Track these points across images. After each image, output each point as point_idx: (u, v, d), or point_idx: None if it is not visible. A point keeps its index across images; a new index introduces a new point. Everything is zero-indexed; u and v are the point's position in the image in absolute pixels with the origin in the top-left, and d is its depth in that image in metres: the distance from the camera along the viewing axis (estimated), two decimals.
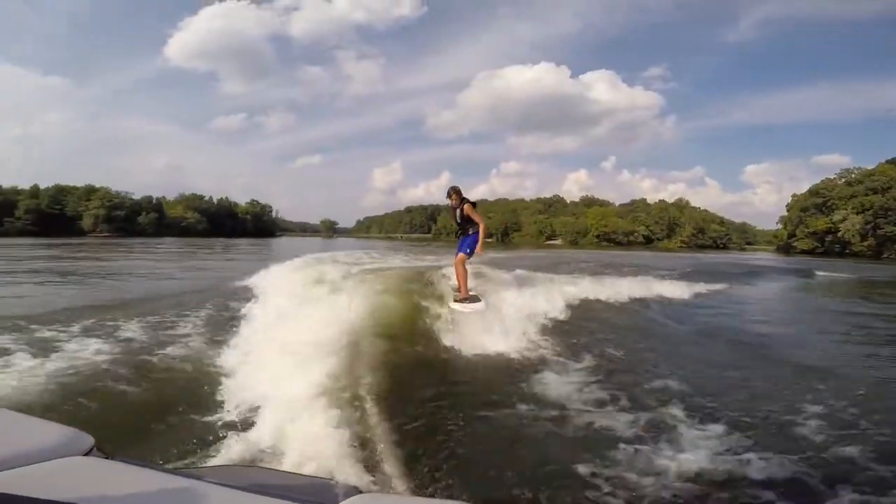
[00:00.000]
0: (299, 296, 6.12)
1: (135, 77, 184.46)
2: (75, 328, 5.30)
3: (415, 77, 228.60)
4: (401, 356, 4.51)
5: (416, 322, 5.46)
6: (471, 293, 5.70)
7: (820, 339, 7.00)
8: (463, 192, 5.79)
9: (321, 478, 2.15)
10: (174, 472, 1.02)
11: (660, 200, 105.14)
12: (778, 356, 5.77)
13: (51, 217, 73.18)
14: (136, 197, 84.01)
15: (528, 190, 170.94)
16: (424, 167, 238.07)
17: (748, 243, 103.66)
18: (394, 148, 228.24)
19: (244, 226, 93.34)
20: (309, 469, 2.47)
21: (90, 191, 78.53)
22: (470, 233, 5.77)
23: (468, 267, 5.90)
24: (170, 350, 4.66)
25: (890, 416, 3.80)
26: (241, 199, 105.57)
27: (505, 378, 4.56)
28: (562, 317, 6.81)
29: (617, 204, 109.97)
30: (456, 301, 5.57)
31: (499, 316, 6.01)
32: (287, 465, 2.48)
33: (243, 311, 6.05)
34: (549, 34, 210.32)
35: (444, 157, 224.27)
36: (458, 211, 5.74)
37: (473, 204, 5.77)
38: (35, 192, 76.16)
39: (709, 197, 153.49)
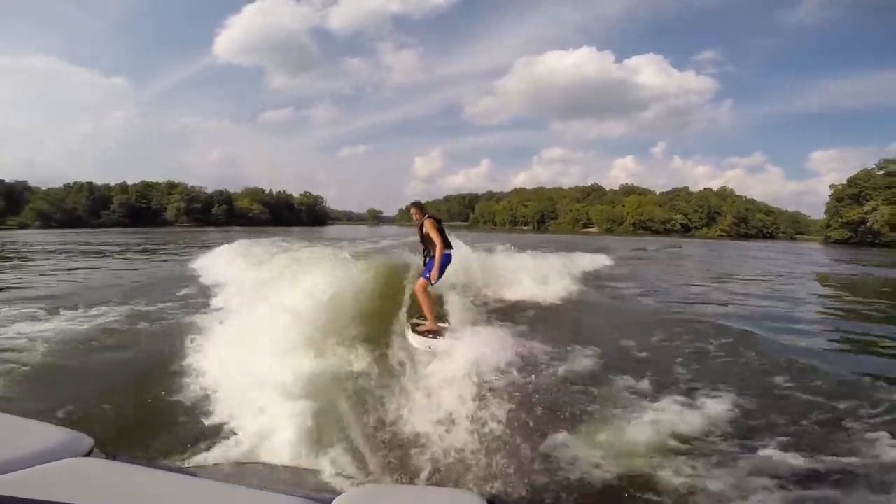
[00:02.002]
0: (290, 277, 6.12)
1: (187, 75, 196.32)
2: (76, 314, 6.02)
3: (453, 65, 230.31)
4: (388, 342, 4.62)
5: (401, 303, 5.40)
6: (440, 325, 5.06)
7: None
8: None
9: (320, 471, 2.33)
10: (175, 470, 1.06)
11: (705, 188, 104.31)
12: None
13: (139, 210, 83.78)
14: (209, 191, 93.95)
15: (573, 176, 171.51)
16: (464, 155, 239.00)
17: (799, 233, 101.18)
18: (434, 136, 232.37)
19: (300, 216, 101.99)
20: (307, 462, 2.49)
21: (171, 186, 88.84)
22: (431, 255, 5.10)
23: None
24: (164, 342, 4.84)
25: None
26: (289, 188, 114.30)
27: (495, 360, 4.58)
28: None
29: (658, 192, 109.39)
30: (416, 331, 4.84)
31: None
32: (284, 458, 2.48)
33: (233, 298, 6.45)
34: (591, 17, 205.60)
35: (485, 144, 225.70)
36: (419, 228, 5.16)
37: (437, 220, 5.16)
38: (125, 187, 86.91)
39: (770, 184, 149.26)
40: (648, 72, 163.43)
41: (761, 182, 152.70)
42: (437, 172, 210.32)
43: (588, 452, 2.96)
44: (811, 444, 3.27)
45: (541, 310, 7.76)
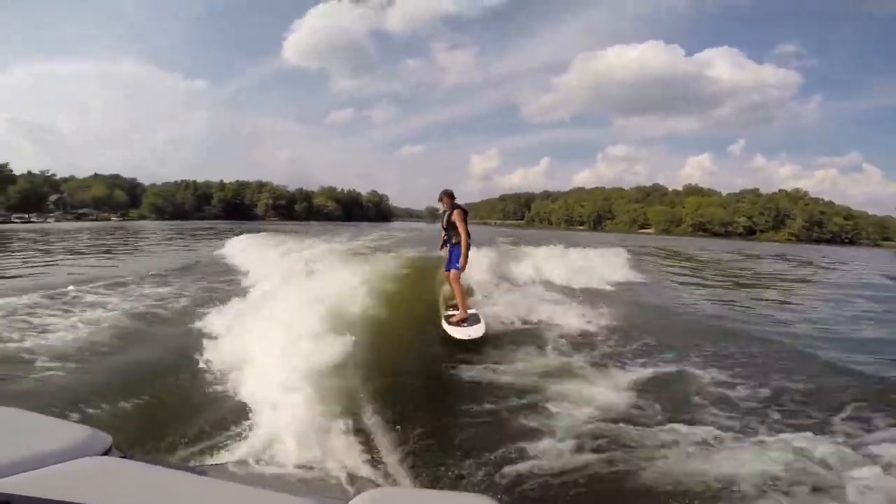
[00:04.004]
0: (317, 269, 6.32)
1: (259, 78, 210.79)
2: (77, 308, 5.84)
3: (509, 63, 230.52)
4: (404, 339, 4.48)
5: (422, 300, 5.33)
6: (470, 312, 5.24)
7: None
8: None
9: (335, 472, 2.27)
10: (191, 469, 1.07)
11: (780, 190, 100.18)
12: None
13: (234, 205, 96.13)
14: (291, 189, 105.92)
15: (639, 175, 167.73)
16: (522, 153, 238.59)
17: (885, 238, 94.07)
18: (490, 135, 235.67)
19: (368, 212, 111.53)
20: (323, 463, 2.48)
21: (261, 185, 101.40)
22: (453, 242, 5.34)
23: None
24: (181, 337, 4.75)
25: None
26: (354, 186, 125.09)
27: (516, 359, 4.57)
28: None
29: (726, 194, 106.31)
30: (451, 323, 5.00)
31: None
32: (301, 459, 2.47)
33: (257, 290, 6.28)
34: (657, 10, 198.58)
35: (543, 142, 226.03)
36: (446, 215, 5.37)
37: (465, 212, 5.40)
38: (222, 186, 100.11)
39: (868, 185, 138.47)
40: (723, 65, 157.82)
41: (856, 182, 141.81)
42: (493, 171, 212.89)
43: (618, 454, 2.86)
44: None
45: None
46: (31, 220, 55.92)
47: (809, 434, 3.11)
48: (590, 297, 7.39)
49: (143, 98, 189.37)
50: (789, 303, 10.17)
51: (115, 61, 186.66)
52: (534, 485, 2.59)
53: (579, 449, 2.92)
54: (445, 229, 5.41)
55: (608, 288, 9.48)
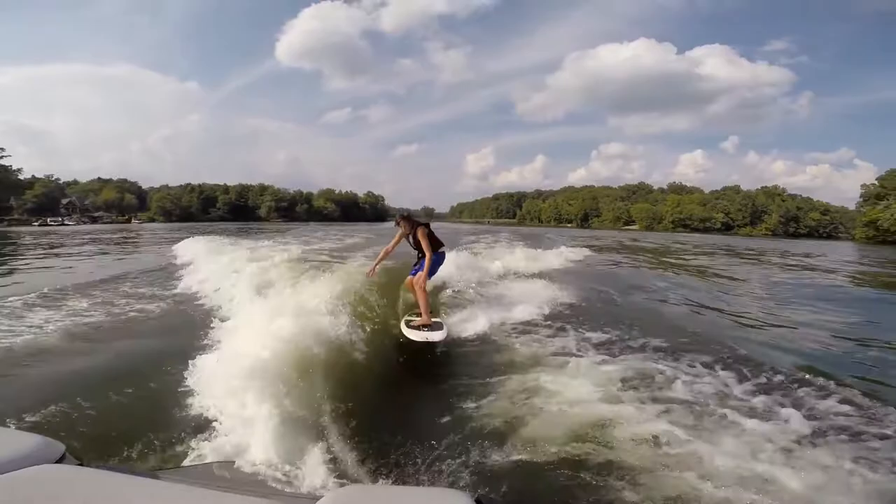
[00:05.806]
0: (279, 274, 6.63)
1: (253, 79, 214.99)
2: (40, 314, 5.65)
3: (502, 62, 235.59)
4: (369, 342, 4.45)
5: (383, 306, 5.48)
6: (434, 320, 5.20)
7: None
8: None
9: (303, 471, 2.29)
10: (148, 474, 1.03)
11: (761, 187, 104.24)
12: None
13: (238, 207, 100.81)
14: (291, 191, 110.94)
15: (634, 172, 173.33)
16: (517, 151, 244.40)
17: None
18: (485, 133, 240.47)
19: (365, 213, 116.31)
20: (290, 462, 2.40)
21: (263, 188, 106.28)
22: (420, 256, 5.44)
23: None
24: (138, 339, 4.66)
25: None
26: (350, 186, 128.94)
27: (482, 355, 4.77)
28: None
29: (708, 191, 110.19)
30: (411, 326, 4.99)
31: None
32: (266, 458, 2.37)
33: (220, 296, 6.32)
34: (647, 8, 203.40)
35: (538, 140, 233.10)
36: (410, 237, 5.44)
37: (427, 226, 5.44)
38: (226, 188, 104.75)
39: (858, 180, 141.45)
40: (715, 63, 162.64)
41: (847, 178, 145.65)
42: (489, 169, 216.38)
43: (576, 444, 2.93)
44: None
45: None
46: (65, 223, 60.88)
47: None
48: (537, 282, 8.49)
49: (138, 101, 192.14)
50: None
51: (107, 64, 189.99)
52: (504, 479, 2.63)
53: (548, 443, 2.96)
54: (417, 248, 5.49)
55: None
